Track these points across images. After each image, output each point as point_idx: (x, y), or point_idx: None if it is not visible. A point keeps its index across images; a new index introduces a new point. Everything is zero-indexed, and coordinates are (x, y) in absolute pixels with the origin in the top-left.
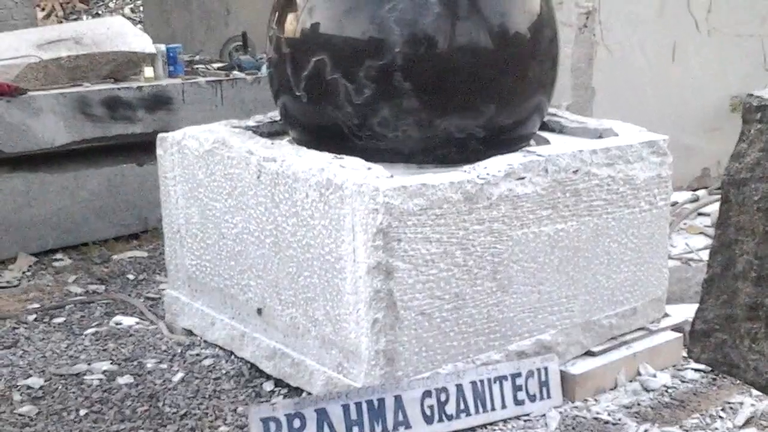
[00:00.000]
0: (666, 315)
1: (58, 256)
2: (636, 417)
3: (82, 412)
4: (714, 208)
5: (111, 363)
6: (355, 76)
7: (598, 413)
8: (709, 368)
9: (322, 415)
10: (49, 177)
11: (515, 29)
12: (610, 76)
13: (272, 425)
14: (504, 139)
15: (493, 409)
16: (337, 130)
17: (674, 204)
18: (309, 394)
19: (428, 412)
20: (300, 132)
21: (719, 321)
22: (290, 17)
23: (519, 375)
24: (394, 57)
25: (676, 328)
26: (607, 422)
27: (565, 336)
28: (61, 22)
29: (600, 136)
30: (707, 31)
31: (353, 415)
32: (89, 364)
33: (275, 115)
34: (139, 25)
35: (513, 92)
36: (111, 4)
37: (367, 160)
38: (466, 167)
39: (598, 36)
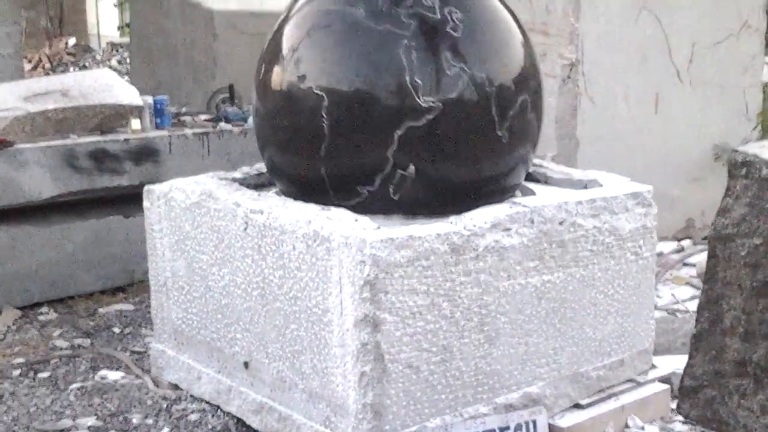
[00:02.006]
0: (653, 366)
1: (44, 309)
2: None
3: None
4: (699, 258)
5: (96, 418)
6: (539, 113)
7: None
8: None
9: None
10: (35, 230)
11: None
12: (594, 126)
13: None
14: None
15: None
16: (517, 167)
17: (659, 254)
18: None
19: None
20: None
21: (708, 377)
22: (487, 57)
23: (507, 428)
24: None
25: (664, 380)
26: None
27: (553, 388)
28: (48, 73)
29: (585, 187)
30: (689, 81)
31: None
32: (74, 420)
33: (261, 166)
34: (125, 77)
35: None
36: (98, 56)
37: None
38: (452, 218)
39: (582, 87)
